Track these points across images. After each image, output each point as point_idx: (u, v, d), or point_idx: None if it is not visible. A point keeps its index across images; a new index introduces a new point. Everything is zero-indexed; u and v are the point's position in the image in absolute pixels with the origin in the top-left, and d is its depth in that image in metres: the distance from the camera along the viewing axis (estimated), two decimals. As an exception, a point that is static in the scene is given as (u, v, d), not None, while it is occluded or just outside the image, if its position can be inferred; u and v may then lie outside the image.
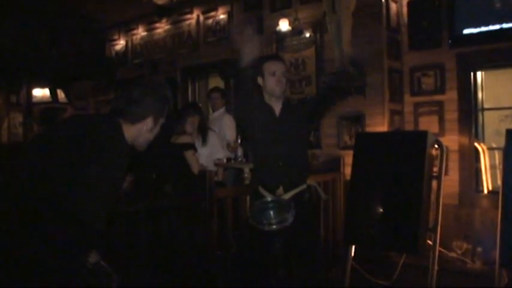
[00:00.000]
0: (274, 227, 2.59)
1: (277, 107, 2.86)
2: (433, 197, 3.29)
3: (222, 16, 6.08)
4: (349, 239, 3.50)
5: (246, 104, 2.94)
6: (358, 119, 4.38)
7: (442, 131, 4.24)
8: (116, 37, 7.54)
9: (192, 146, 3.82)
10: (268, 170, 2.85)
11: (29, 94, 6.93)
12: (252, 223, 2.63)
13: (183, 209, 2.97)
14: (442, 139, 3.95)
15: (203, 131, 4.24)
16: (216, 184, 4.05)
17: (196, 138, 4.09)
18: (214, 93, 4.96)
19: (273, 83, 2.79)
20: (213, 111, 4.98)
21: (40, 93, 7.15)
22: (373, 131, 4.21)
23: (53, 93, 7.12)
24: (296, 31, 4.78)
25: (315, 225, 3.24)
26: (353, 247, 3.46)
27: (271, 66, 2.80)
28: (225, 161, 4.27)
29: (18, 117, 6.98)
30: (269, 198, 2.74)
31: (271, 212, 2.68)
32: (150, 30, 7.03)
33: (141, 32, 7.16)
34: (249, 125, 2.96)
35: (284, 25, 4.63)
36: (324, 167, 4.43)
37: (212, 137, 4.30)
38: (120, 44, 7.50)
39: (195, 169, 3.74)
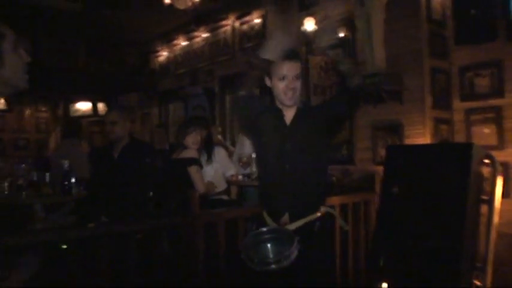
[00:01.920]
0: (272, 266, 1.99)
1: (289, 113, 2.25)
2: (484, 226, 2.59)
3: (256, 20, 5.69)
4: (373, 272, 2.91)
5: (249, 105, 2.31)
6: (395, 129, 3.71)
7: (501, 143, 3.45)
8: (158, 48, 7.46)
9: (196, 161, 3.41)
10: (273, 191, 2.24)
11: (66, 107, 6.99)
12: (243, 259, 2.04)
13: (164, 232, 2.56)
14: (500, 153, 3.29)
15: (208, 146, 3.75)
16: (223, 203, 3.68)
17: (202, 155, 3.63)
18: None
19: (280, 90, 2.18)
20: (241, 122, 4.56)
21: (84, 106, 7.21)
22: (408, 144, 3.54)
23: (94, 106, 7.15)
24: (326, 30, 4.21)
25: (326, 261, 2.58)
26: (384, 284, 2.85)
27: (280, 69, 2.17)
28: (240, 177, 3.80)
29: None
30: (265, 228, 2.15)
31: (269, 247, 2.10)
32: (189, 39, 6.85)
33: (181, 42, 7.01)
34: (253, 132, 2.36)
35: (309, 24, 4.08)
36: (358, 185, 3.83)
37: (219, 154, 3.82)
38: (163, 55, 7.41)
39: (199, 187, 3.32)
